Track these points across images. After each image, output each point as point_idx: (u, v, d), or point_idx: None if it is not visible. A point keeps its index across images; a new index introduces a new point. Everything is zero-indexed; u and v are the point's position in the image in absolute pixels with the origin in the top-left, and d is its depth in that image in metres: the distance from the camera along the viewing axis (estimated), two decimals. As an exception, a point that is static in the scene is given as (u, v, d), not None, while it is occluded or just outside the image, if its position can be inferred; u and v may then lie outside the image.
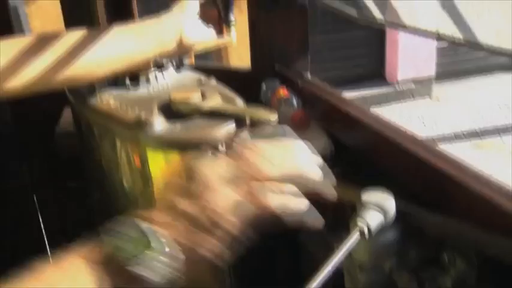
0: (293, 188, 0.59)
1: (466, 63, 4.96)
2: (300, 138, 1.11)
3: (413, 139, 0.84)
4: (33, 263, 0.47)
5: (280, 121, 1.12)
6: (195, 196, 0.52)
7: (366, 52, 4.90)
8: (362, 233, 0.65)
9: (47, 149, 1.38)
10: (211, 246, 0.51)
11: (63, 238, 1.57)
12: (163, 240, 0.49)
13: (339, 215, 0.82)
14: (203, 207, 0.52)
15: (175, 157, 0.84)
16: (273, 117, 0.85)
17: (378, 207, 0.69)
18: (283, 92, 1.16)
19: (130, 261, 0.47)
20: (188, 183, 0.54)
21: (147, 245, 0.47)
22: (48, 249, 1.56)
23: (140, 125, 0.84)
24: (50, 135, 1.36)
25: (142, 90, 0.97)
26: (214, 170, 0.55)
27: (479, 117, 4.18)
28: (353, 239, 0.64)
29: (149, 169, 0.87)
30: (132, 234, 0.48)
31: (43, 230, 1.54)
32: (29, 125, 1.36)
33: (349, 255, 0.75)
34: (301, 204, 0.59)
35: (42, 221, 1.54)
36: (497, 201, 0.65)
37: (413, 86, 4.66)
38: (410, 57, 4.55)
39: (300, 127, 1.11)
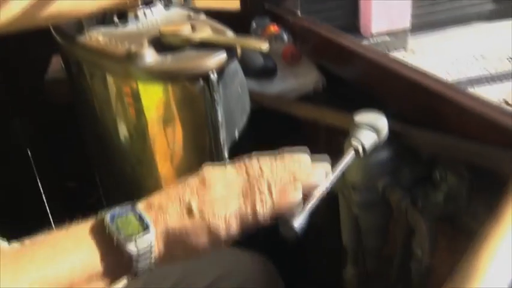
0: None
1: (442, 14, 4.87)
2: (292, 72, 1.12)
3: (404, 65, 0.85)
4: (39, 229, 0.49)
5: (271, 57, 1.12)
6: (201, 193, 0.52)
7: (339, 5, 4.80)
8: (357, 152, 0.66)
9: (37, 100, 1.37)
10: (199, 245, 0.51)
11: (61, 193, 1.58)
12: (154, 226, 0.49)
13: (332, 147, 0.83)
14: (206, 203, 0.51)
15: (167, 89, 0.84)
16: (264, 46, 0.84)
17: (371, 127, 0.69)
18: (273, 28, 1.15)
19: (126, 240, 0.47)
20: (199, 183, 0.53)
21: (143, 229, 0.48)
22: (46, 204, 1.58)
23: (131, 58, 0.83)
24: (40, 84, 1.34)
25: (131, 26, 0.96)
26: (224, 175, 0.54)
27: (454, 69, 4.14)
28: (348, 158, 0.65)
29: (142, 102, 0.86)
30: (131, 217, 0.49)
31: (40, 187, 1.54)
32: (18, 77, 1.35)
33: (343, 176, 0.76)
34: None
35: (39, 178, 1.55)
36: (487, 115, 0.66)
37: (388, 38, 4.60)
38: (384, 9, 4.47)
39: (292, 62, 1.11)
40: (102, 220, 0.48)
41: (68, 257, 0.46)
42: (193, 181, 0.53)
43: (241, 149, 0.87)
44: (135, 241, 0.47)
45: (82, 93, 1.02)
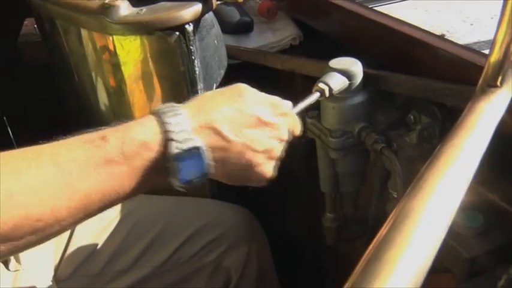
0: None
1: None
2: (269, 28, 1.12)
3: (378, 12, 0.86)
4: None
5: (248, 13, 1.11)
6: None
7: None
8: (322, 93, 0.67)
9: (11, 62, 1.35)
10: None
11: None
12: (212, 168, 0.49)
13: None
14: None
15: (143, 42, 0.83)
16: (240, -3, 0.84)
17: (343, 71, 0.71)
18: (249, -17, 1.14)
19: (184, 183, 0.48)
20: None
21: (203, 174, 0.49)
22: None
23: (105, 11, 0.82)
24: (12, 47, 1.32)
25: (104, -20, 0.94)
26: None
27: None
28: (312, 97, 0.66)
29: (118, 57, 0.86)
30: (193, 158, 0.48)
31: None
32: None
33: (319, 123, 0.77)
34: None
35: (16, 142, 1.53)
36: (457, 56, 0.67)
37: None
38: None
39: (268, 17, 1.10)
40: (168, 143, 0.47)
41: (120, 179, 0.46)
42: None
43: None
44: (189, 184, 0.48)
45: (57, 52, 1.01)
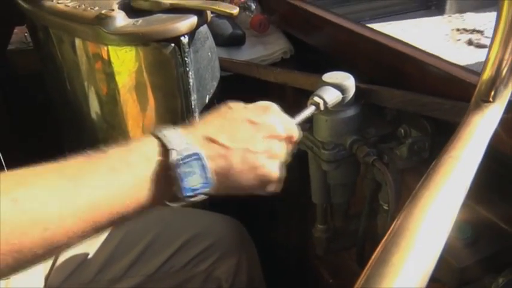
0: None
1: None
2: (261, 41, 1.14)
3: (369, 28, 0.88)
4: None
5: (240, 26, 1.13)
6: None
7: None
8: (317, 106, 0.69)
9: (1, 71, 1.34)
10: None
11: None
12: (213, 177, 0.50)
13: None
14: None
15: (137, 53, 0.84)
16: (234, 10, 0.85)
17: (336, 85, 0.72)
18: (241, -3, 1.16)
19: (187, 191, 0.48)
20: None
21: (204, 181, 0.49)
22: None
23: (101, 21, 0.83)
24: (2, 55, 1.31)
25: (100, -9, 0.95)
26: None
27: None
28: (307, 111, 0.68)
29: (112, 67, 0.87)
30: (193, 165, 0.49)
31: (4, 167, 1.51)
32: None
33: (312, 135, 0.79)
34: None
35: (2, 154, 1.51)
36: (447, 72, 0.70)
37: None
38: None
39: (260, 30, 1.12)
40: (167, 153, 0.48)
41: (126, 188, 0.46)
42: None
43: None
44: (194, 193, 0.49)
45: (50, 60, 1.01)
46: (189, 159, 0.48)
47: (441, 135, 0.71)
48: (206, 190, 0.50)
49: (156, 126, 0.91)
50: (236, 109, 0.56)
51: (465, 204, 0.61)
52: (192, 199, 0.49)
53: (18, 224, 0.40)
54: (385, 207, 0.78)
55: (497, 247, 0.61)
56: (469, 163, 0.39)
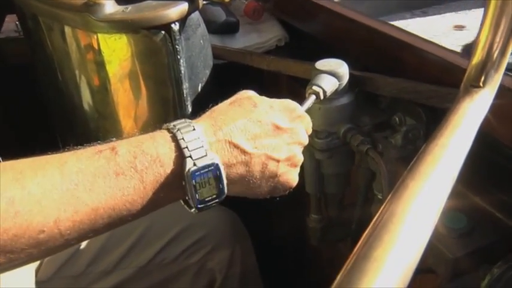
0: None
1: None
2: (255, 28, 1.12)
3: (365, 16, 0.86)
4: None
5: (233, 13, 1.11)
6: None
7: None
8: (317, 96, 0.67)
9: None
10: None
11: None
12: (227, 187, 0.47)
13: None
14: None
15: (128, 40, 0.83)
16: (227, -3, 0.83)
17: (331, 73, 0.71)
18: (235, -17, 1.14)
19: (198, 203, 0.45)
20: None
21: (219, 193, 0.46)
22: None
23: (90, 9, 0.81)
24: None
25: (89, -22, 0.93)
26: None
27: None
28: (309, 101, 0.66)
29: (102, 55, 0.85)
30: (209, 176, 0.45)
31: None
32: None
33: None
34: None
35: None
36: (443, 58, 0.68)
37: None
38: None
39: (254, 18, 1.10)
40: (183, 160, 0.45)
41: (130, 194, 0.43)
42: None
43: (204, 103, 0.87)
44: (206, 204, 0.46)
45: (40, 49, 0.99)
46: (205, 170, 0.44)
47: (436, 123, 0.70)
48: (219, 200, 0.47)
49: (147, 116, 0.91)
50: (262, 109, 0.51)
51: (459, 193, 0.59)
52: (204, 208, 0.46)
53: (12, 225, 0.37)
54: (380, 197, 0.77)
55: (492, 237, 0.60)
56: (457, 151, 0.38)
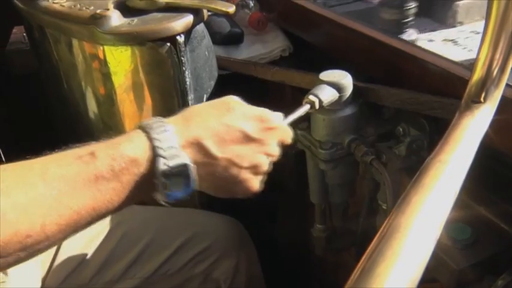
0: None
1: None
2: (259, 39, 1.13)
3: (369, 27, 0.87)
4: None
5: (238, 24, 1.12)
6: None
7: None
8: (312, 105, 0.68)
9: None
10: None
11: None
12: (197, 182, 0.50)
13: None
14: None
15: (133, 52, 0.84)
16: (231, 9, 0.84)
17: (333, 84, 0.71)
18: (239, -6, 1.15)
19: (168, 197, 0.48)
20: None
21: (187, 188, 0.49)
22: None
23: (96, 21, 0.82)
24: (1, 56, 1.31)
25: (95, -9, 0.94)
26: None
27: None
28: (302, 109, 0.67)
29: (108, 67, 0.86)
30: (180, 175, 0.48)
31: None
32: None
33: (309, 134, 0.78)
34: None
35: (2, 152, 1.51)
36: (446, 70, 0.68)
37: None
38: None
39: (258, 28, 1.11)
40: (156, 159, 0.47)
41: (110, 193, 0.46)
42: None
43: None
44: (175, 199, 0.49)
45: (46, 61, 1.00)
46: (176, 169, 0.47)
47: (440, 133, 0.70)
48: (187, 195, 0.49)
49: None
50: (235, 115, 0.53)
51: (463, 204, 0.60)
52: (174, 202, 0.50)
53: (1, 233, 0.39)
54: (384, 207, 0.77)
55: (496, 248, 0.60)
56: (458, 167, 0.38)
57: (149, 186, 0.48)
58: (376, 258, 0.30)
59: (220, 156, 0.51)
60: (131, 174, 0.46)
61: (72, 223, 0.43)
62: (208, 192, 0.56)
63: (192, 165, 0.48)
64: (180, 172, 0.48)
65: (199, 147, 0.50)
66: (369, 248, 0.31)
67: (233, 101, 0.56)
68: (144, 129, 0.49)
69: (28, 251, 0.42)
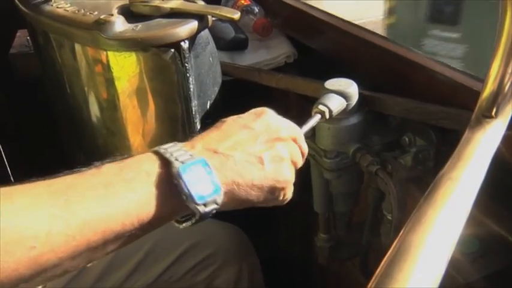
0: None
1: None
2: (264, 45, 1.12)
3: (374, 33, 0.86)
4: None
5: (242, 30, 1.12)
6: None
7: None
8: (322, 115, 0.67)
9: (2, 73, 1.33)
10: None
11: (30, 170, 1.54)
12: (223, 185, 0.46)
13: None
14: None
15: (137, 58, 0.83)
16: (236, 15, 0.84)
17: (340, 93, 0.70)
18: (244, 0, 1.14)
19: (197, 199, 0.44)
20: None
21: (214, 188, 0.45)
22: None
23: (100, 26, 0.81)
24: (4, 59, 1.30)
25: (100, -4, 0.94)
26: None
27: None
28: (313, 120, 0.66)
29: (112, 72, 0.85)
30: (199, 171, 0.45)
31: (7, 166, 1.50)
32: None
33: (314, 143, 0.77)
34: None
35: (5, 155, 1.51)
36: (453, 79, 0.68)
37: None
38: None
39: (263, 34, 1.11)
40: (169, 165, 0.44)
41: (122, 204, 0.42)
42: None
43: (213, 120, 0.87)
44: (205, 205, 0.44)
45: (50, 65, 1.00)
46: (193, 165, 0.44)
47: (446, 144, 0.69)
48: (217, 197, 0.45)
49: (155, 133, 0.91)
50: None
51: (473, 217, 0.58)
52: (206, 209, 0.44)
53: (1, 240, 0.37)
54: (389, 217, 0.76)
55: (505, 262, 0.59)
56: (470, 185, 0.37)
57: (171, 196, 0.43)
58: (386, 279, 0.29)
59: (235, 153, 0.49)
60: (142, 183, 0.43)
61: (81, 238, 0.40)
62: (238, 205, 0.50)
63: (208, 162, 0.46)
64: (200, 168, 0.45)
65: (212, 151, 0.48)
66: (378, 269, 0.30)
67: (262, 112, 0.56)
68: (151, 150, 0.46)
69: (33, 267, 0.38)
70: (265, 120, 0.54)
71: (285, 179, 0.53)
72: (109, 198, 0.41)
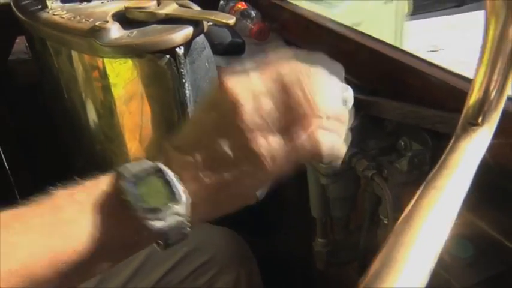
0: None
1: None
2: (261, 49, 1.12)
3: (370, 37, 0.86)
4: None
5: (239, 34, 1.12)
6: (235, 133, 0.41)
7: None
8: None
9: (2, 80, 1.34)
10: (242, 190, 0.44)
11: (30, 177, 1.55)
12: (185, 192, 0.39)
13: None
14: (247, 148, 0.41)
15: (133, 64, 0.83)
16: (231, 20, 0.84)
17: (336, 97, 0.70)
18: (241, 5, 1.15)
19: (149, 213, 0.38)
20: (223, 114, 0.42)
21: (170, 197, 0.38)
22: (16, 193, 1.54)
23: (95, 33, 0.82)
24: (3, 66, 1.31)
25: (96, 2, 0.94)
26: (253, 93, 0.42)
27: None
28: None
29: (108, 79, 0.85)
30: (153, 182, 0.39)
31: (11, 177, 1.51)
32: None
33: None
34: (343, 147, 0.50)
35: (5, 160, 1.51)
36: (448, 83, 0.67)
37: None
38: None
39: (260, 38, 1.11)
40: (117, 182, 0.39)
41: (72, 228, 0.37)
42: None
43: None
44: (164, 219, 0.38)
45: (48, 72, 1.00)
46: (143, 174, 0.38)
47: (442, 148, 0.69)
48: (180, 208, 0.38)
49: (152, 138, 0.91)
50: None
51: (467, 221, 0.58)
52: (164, 223, 0.38)
53: None
54: (385, 222, 0.76)
55: (500, 267, 0.58)
56: (455, 194, 0.37)
57: (123, 215, 0.38)
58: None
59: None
60: (92, 195, 0.38)
61: (25, 272, 0.35)
62: (224, 207, 0.45)
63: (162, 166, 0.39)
64: (153, 177, 0.39)
65: (180, 152, 0.42)
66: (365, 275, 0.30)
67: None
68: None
69: None
70: None
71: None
72: (52, 223, 0.37)
